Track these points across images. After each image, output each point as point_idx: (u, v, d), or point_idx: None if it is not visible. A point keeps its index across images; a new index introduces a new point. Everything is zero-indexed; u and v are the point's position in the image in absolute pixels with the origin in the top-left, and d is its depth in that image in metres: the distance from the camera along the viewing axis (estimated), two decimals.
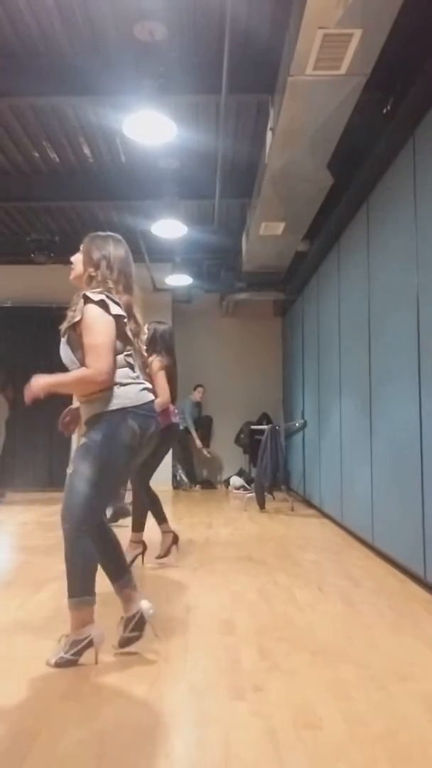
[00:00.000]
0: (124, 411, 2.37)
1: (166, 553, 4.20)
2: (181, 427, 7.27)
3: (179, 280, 8.66)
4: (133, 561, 3.97)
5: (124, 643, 2.45)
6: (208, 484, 9.50)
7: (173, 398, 4.25)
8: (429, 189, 3.46)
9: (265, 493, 7.00)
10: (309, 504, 7.24)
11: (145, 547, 4.14)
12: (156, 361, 4.11)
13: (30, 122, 5.30)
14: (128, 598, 2.49)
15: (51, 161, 6.06)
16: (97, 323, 2.33)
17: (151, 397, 2.52)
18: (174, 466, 9.11)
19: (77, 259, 2.58)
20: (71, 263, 2.61)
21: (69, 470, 2.40)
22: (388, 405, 4.14)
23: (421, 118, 3.55)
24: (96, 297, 2.36)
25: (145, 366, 2.66)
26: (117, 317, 2.38)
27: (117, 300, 2.42)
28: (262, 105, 4.83)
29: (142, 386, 2.49)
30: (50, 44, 4.24)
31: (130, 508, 6.04)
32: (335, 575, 3.83)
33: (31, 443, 8.63)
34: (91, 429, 2.38)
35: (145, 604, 2.48)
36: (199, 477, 9.52)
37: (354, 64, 3.28)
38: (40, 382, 2.36)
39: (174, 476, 9.18)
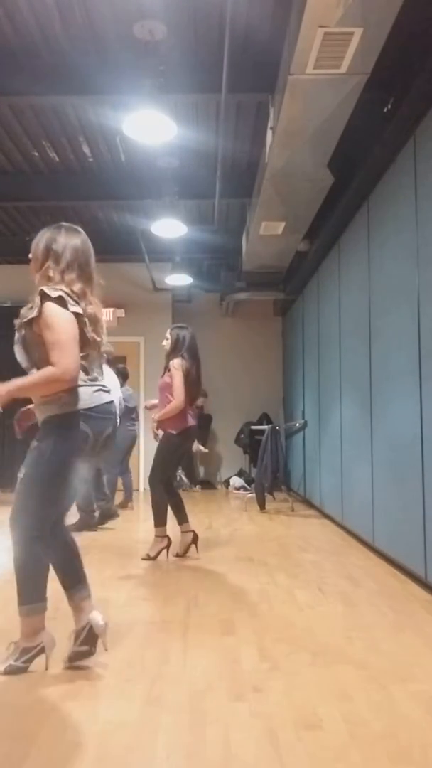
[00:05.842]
0: (76, 414, 2.28)
1: (185, 552, 4.33)
2: None
3: (179, 279, 8.66)
4: (157, 555, 4.22)
5: (75, 657, 2.34)
6: (208, 485, 9.49)
7: (192, 401, 4.34)
8: (429, 188, 3.45)
9: (266, 494, 7.00)
10: (309, 504, 7.23)
11: (169, 541, 4.29)
12: (175, 361, 4.23)
13: (30, 122, 5.30)
14: (79, 609, 2.39)
15: (51, 161, 6.06)
16: (58, 319, 2.19)
17: (108, 398, 2.44)
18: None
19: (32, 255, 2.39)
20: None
21: (20, 474, 2.29)
22: (388, 405, 4.13)
23: (421, 118, 3.55)
24: (54, 293, 2.21)
25: (110, 363, 2.52)
26: (76, 315, 2.24)
27: (75, 297, 2.28)
28: (262, 104, 4.82)
29: (97, 387, 2.42)
30: (50, 44, 4.23)
31: (118, 510, 6.09)
32: (335, 575, 3.82)
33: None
34: (43, 433, 2.27)
35: (95, 616, 2.36)
36: (198, 477, 9.51)
37: (354, 63, 3.28)
38: (1, 391, 2.18)
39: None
